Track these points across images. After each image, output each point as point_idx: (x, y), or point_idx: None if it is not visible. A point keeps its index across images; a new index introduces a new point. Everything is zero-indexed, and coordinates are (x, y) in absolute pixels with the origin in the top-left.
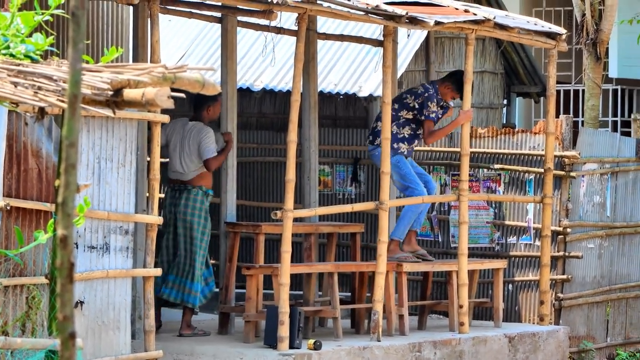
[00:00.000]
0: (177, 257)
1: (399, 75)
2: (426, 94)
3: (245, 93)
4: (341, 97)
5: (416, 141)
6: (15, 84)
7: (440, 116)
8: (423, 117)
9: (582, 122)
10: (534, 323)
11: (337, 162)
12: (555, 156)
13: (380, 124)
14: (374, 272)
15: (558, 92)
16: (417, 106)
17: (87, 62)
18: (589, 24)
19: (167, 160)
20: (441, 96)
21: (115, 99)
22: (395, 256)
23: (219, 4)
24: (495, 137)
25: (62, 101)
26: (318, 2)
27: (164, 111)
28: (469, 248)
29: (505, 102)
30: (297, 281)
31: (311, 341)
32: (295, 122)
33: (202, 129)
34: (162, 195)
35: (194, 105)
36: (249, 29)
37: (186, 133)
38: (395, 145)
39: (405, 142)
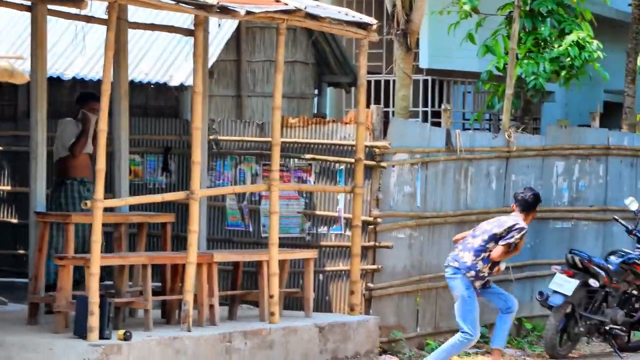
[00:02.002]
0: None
1: (210, 64)
2: (517, 226)
3: (55, 82)
4: (152, 86)
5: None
6: None
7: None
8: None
9: (393, 112)
10: (344, 313)
11: (148, 152)
12: (365, 146)
13: (462, 254)
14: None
15: (369, 82)
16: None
17: None
18: (399, 14)
19: None
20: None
21: None
22: None
23: None
24: (306, 127)
25: None
26: None
27: None
28: (279, 238)
29: (316, 92)
30: (108, 271)
31: (121, 332)
32: (106, 112)
33: (60, 123)
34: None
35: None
36: (59, 17)
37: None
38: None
39: (479, 280)
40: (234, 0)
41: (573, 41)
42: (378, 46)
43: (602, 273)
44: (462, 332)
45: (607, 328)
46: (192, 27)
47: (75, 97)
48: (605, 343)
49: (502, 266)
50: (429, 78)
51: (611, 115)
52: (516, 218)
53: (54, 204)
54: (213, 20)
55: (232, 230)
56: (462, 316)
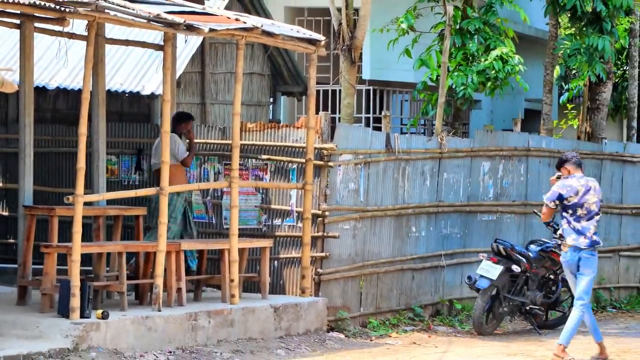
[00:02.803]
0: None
1: (177, 75)
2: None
3: (41, 91)
4: (126, 95)
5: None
6: None
7: None
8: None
9: (339, 118)
10: (296, 295)
11: (123, 153)
12: (315, 148)
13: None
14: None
15: (318, 91)
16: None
17: None
18: (344, 32)
19: None
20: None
21: None
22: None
23: (18, 12)
24: (262, 131)
25: None
26: (106, 11)
27: None
28: (239, 229)
29: (271, 100)
30: (88, 258)
31: (99, 311)
32: (86, 117)
33: (170, 137)
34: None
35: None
36: (44, 34)
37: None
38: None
39: None
40: (199, 19)
41: (497, 56)
42: (326, 60)
43: (523, 260)
44: (583, 303)
45: (527, 308)
46: (162, 43)
47: (175, 117)
48: (526, 321)
49: None
50: (371, 88)
51: (531, 121)
52: (587, 178)
53: (151, 205)
54: (180, 37)
55: (197, 222)
56: (588, 290)
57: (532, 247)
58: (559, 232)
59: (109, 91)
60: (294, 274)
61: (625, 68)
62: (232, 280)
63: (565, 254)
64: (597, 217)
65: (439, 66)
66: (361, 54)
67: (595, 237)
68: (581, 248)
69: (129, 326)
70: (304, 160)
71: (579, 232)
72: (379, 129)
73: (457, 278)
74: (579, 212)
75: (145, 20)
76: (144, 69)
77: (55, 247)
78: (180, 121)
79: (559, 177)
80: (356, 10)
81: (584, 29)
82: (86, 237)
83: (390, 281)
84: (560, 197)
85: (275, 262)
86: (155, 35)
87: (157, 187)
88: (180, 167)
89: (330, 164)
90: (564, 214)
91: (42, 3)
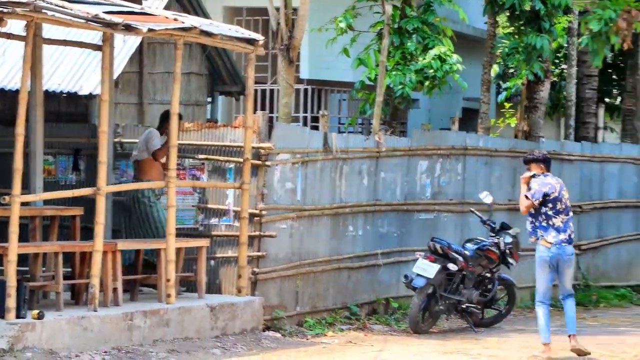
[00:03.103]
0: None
1: (115, 76)
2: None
3: None
4: (64, 95)
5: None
6: None
7: None
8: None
9: (277, 117)
10: (233, 294)
11: (60, 153)
12: (252, 147)
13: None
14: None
15: (256, 91)
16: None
17: None
18: (283, 31)
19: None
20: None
21: None
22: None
23: None
24: (200, 130)
25: None
26: (43, 11)
27: None
28: (176, 228)
29: (209, 100)
30: (24, 258)
31: (35, 312)
32: (23, 118)
33: (149, 132)
34: None
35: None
36: None
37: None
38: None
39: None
40: (137, 19)
41: (435, 55)
42: (264, 59)
43: (460, 258)
44: (573, 294)
45: (464, 306)
46: (100, 43)
47: (163, 114)
48: (462, 320)
49: None
50: (309, 87)
51: (469, 119)
52: (552, 176)
53: (127, 195)
54: (119, 37)
55: None
56: (571, 283)
57: (469, 245)
58: (529, 230)
59: (46, 91)
60: (230, 273)
61: (563, 67)
62: (168, 280)
63: (548, 249)
64: (571, 214)
65: (377, 65)
66: (299, 53)
67: (572, 235)
68: (562, 245)
69: (65, 326)
70: (241, 160)
71: (558, 230)
72: (317, 128)
73: (394, 277)
74: (559, 206)
75: (84, 21)
76: (82, 69)
77: None
78: (168, 120)
79: (533, 176)
80: (295, 10)
81: (523, 27)
82: (22, 237)
83: (327, 280)
84: (545, 195)
85: (212, 261)
86: (93, 35)
87: (94, 188)
88: (153, 161)
89: (268, 163)
90: (543, 208)
91: None
